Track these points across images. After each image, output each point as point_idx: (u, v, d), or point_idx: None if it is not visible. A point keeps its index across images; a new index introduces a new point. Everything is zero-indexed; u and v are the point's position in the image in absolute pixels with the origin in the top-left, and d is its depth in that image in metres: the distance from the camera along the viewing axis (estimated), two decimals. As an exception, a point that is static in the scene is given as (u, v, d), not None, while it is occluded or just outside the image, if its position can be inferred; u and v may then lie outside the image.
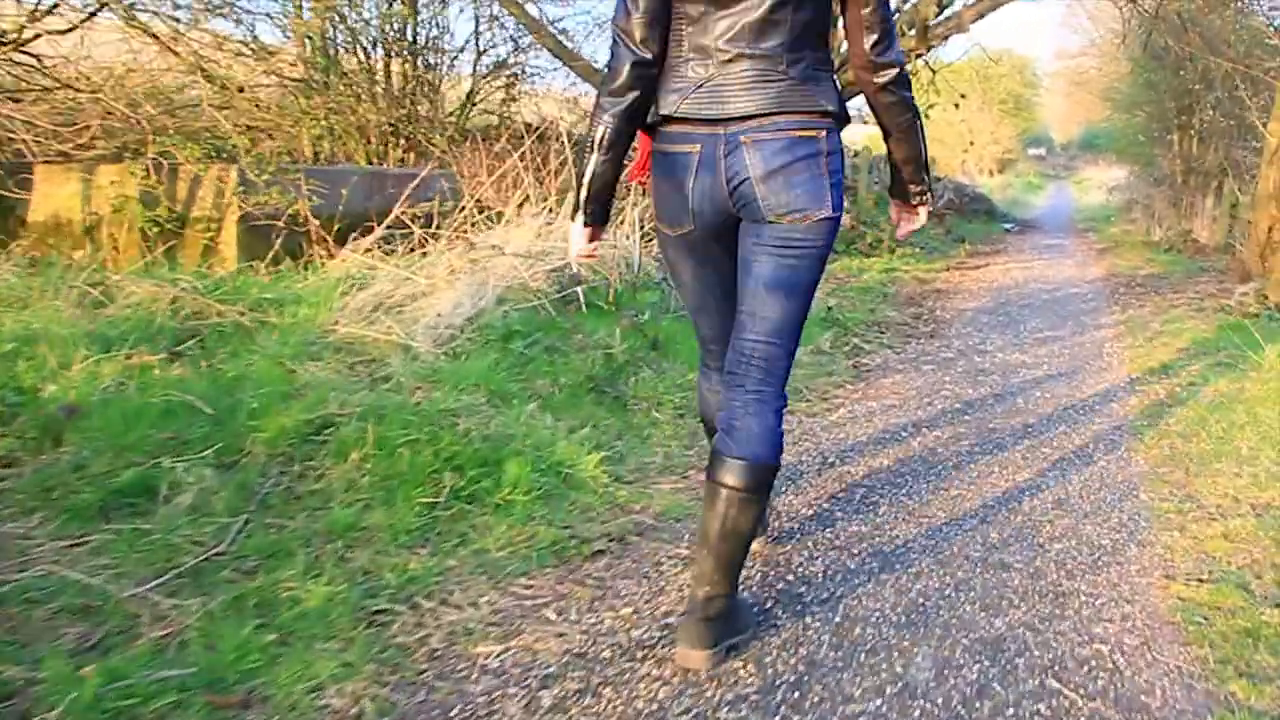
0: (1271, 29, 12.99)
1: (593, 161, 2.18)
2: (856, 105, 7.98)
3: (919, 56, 11.23)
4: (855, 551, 2.90)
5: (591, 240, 2.33)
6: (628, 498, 3.25)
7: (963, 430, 4.20)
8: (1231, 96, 13.04)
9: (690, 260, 2.28)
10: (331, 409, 3.42)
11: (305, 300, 4.63)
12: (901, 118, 2.20)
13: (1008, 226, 16.21)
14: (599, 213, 2.27)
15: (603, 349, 4.34)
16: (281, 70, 9.75)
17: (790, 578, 2.71)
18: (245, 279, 4.90)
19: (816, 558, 2.85)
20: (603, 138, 2.15)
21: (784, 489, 3.43)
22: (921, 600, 2.59)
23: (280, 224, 5.30)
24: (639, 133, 2.24)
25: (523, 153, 6.58)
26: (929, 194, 2.36)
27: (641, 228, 6.41)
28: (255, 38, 8.12)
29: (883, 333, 6.40)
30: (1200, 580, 2.72)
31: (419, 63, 10.58)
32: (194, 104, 6.38)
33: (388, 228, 5.35)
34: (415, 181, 5.21)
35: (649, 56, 2.11)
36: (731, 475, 2.10)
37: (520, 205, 5.70)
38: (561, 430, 3.63)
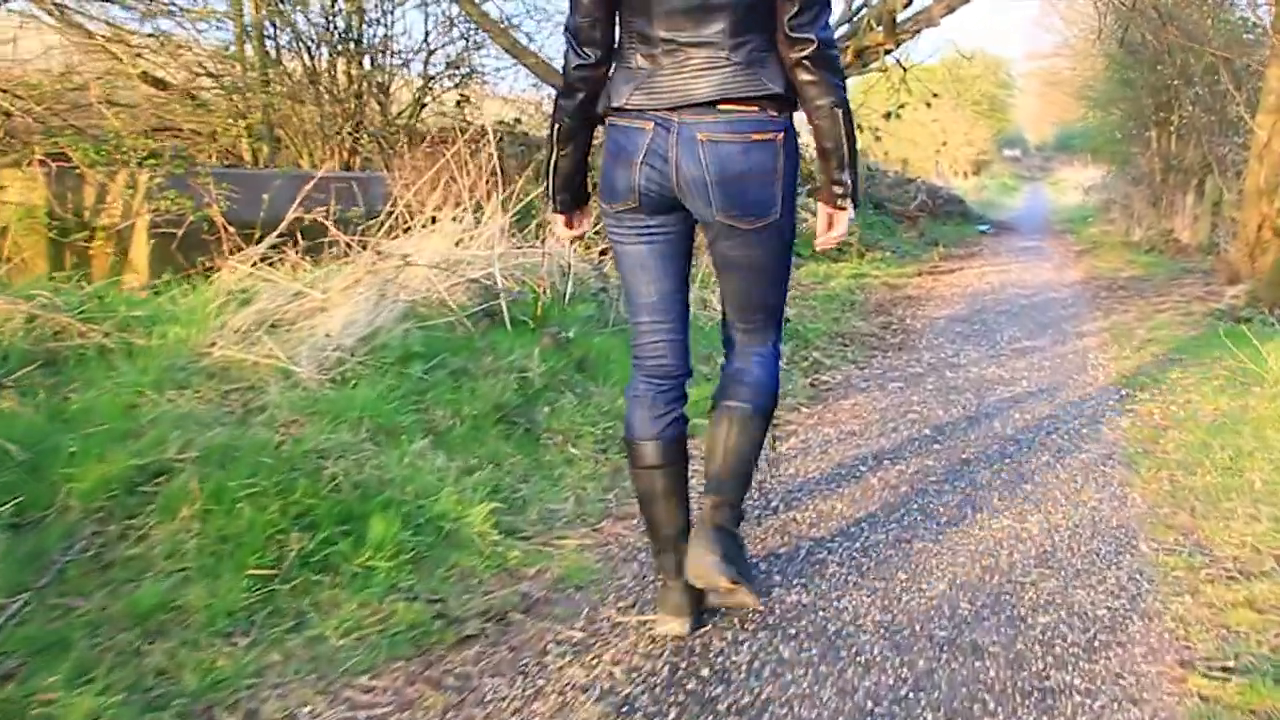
0: (1249, 22, 12.58)
1: (553, 156, 2.27)
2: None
3: (888, 53, 10.67)
4: (792, 632, 2.31)
5: (570, 226, 2.44)
6: (520, 559, 2.66)
7: (931, 463, 3.62)
8: (1212, 91, 12.58)
9: (629, 234, 2.22)
10: (170, 452, 2.82)
11: (181, 319, 4.02)
12: (820, 101, 2.08)
13: (983, 228, 15.70)
14: (567, 201, 2.36)
15: (518, 372, 3.75)
16: (219, 69, 9.22)
17: (705, 672, 2.12)
18: (115, 295, 4.28)
19: (743, 642, 2.26)
20: (558, 133, 2.24)
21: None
22: (870, 705, 2.00)
23: (179, 232, 4.67)
24: None
25: (455, 154, 5.98)
26: (851, 195, 2.17)
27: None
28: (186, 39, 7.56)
29: (846, 345, 5.83)
30: (1226, 670, 2.14)
31: (367, 62, 9.98)
32: (88, 103, 5.75)
33: (309, 237, 4.75)
34: (309, 186, 4.57)
35: (591, 58, 2.14)
36: (730, 421, 2.25)
37: (436, 210, 5.09)
38: (454, 472, 3.04)
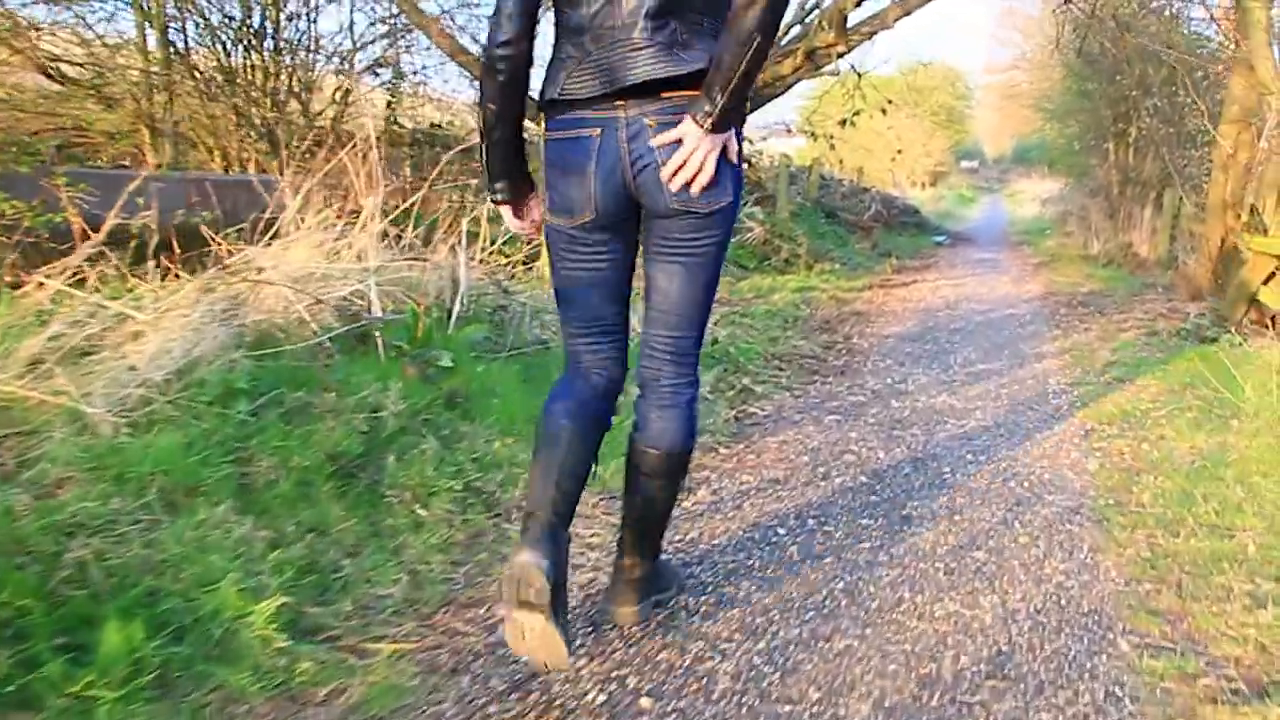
0: (1203, 37, 12.20)
1: (484, 144, 2.13)
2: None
3: (840, 55, 10.13)
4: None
5: (519, 217, 2.26)
6: (310, 676, 1.99)
7: (865, 523, 2.99)
8: (1171, 102, 12.17)
9: (581, 250, 2.11)
10: None
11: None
12: (744, 20, 1.84)
13: (939, 239, 15.22)
14: (507, 189, 2.19)
15: (369, 411, 3.08)
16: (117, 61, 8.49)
17: None
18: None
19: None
20: (484, 120, 2.10)
21: (580, 643, 2.19)
22: None
23: (12, 240, 3.96)
24: None
25: (363, 157, 5.31)
26: (714, 117, 1.89)
27: (486, 246, 5.18)
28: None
29: (782, 369, 5.21)
30: None
31: (288, 59, 9.28)
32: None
33: (191, 247, 4.08)
34: (146, 186, 3.87)
35: (509, 34, 2.00)
36: (648, 463, 2.15)
37: (323, 216, 4.41)
38: (258, 547, 2.37)
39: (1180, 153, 11.89)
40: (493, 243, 5.40)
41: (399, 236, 4.61)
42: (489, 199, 2.23)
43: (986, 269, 11.65)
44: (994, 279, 10.46)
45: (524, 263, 6.03)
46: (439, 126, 10.47)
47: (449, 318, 4.12)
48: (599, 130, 1.98)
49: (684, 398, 2.17)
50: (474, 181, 6.71)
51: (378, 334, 3.83)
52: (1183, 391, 4.81)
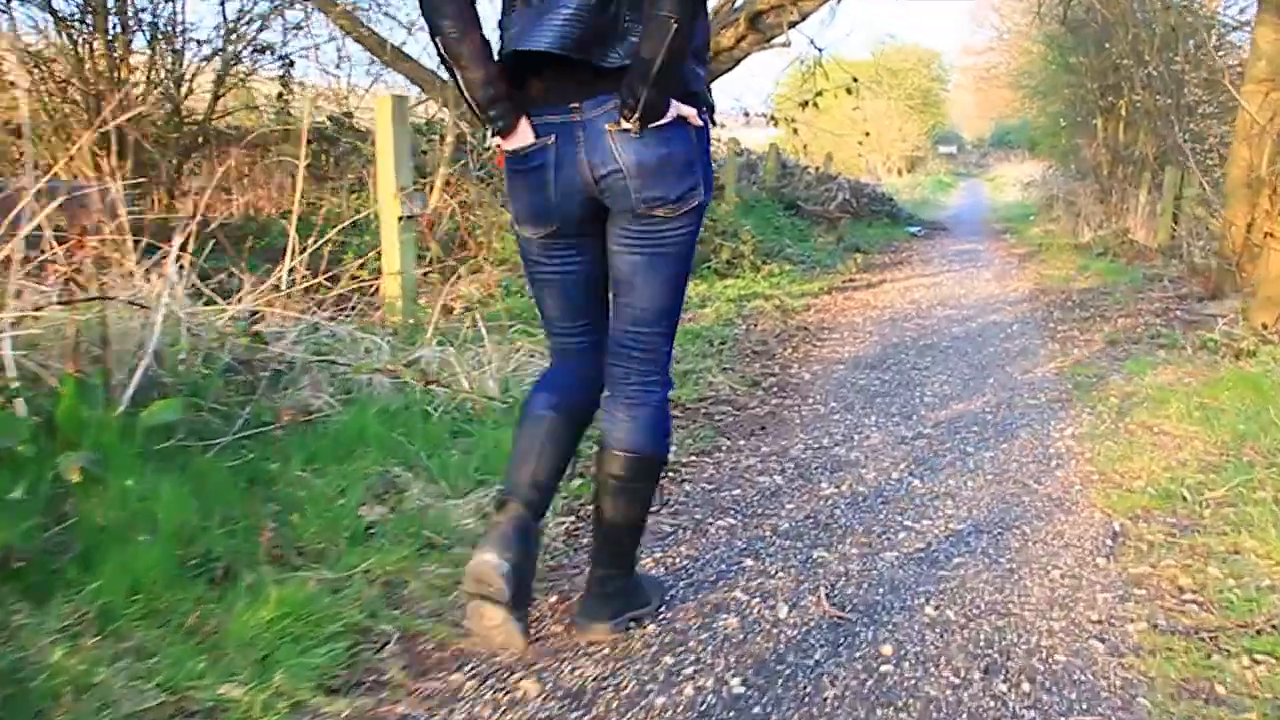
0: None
1: (457, 76, 1.85)
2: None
3: (792, 25, 8.61)
4: None
5: (527, 138, 1.89)
6: None
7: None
8: (1169, 70, 10.67)
9: (554, 256, 2.01)
10: None
11: None
12: (662, 7, 1.70)
13: (914, 230, 13.72)
14: (506, 107, 1.85)
15: None
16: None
17: None
18: None
19: None
20: (447, 49, 1.83)
21: None
22: None
23: None
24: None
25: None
26: (639, 110, 1.77)
27: (186, 272, 3.69)
28: None
29: (685, 424, 3.71)
30: None
31: (139, 41, 7.70)
32: None
33: None
34: None
35: None
36: (618, 466, 2.02)
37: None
38: None
39: (1180, 126, 10.39)
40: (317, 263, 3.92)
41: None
42: (489, 133, 1.91)
43: (966, 263, 10.16)
44: (974, 275, 8.97)
45: (363, 293, 4.54)
46: (340, 120, 8.88)
47: (124, 391, 2.60)
48: (553, 137, 1.86)
49: (655, 397, 2.04)
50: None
51: (21, 405, 2.34)
52: (1240, 447, 3.35)
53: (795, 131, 12.65)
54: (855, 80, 11.75)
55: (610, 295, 2.04)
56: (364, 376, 3.39)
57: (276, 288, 3.80)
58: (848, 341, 5.63)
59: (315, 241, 4.08)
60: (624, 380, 2.02)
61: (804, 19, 8.68)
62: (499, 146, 1.90)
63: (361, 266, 4.50)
